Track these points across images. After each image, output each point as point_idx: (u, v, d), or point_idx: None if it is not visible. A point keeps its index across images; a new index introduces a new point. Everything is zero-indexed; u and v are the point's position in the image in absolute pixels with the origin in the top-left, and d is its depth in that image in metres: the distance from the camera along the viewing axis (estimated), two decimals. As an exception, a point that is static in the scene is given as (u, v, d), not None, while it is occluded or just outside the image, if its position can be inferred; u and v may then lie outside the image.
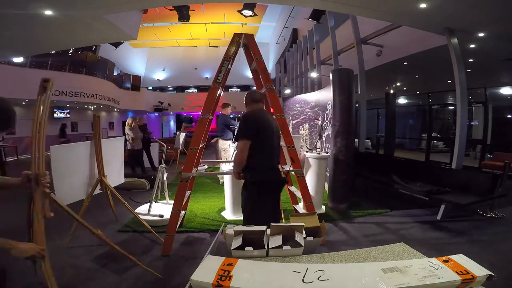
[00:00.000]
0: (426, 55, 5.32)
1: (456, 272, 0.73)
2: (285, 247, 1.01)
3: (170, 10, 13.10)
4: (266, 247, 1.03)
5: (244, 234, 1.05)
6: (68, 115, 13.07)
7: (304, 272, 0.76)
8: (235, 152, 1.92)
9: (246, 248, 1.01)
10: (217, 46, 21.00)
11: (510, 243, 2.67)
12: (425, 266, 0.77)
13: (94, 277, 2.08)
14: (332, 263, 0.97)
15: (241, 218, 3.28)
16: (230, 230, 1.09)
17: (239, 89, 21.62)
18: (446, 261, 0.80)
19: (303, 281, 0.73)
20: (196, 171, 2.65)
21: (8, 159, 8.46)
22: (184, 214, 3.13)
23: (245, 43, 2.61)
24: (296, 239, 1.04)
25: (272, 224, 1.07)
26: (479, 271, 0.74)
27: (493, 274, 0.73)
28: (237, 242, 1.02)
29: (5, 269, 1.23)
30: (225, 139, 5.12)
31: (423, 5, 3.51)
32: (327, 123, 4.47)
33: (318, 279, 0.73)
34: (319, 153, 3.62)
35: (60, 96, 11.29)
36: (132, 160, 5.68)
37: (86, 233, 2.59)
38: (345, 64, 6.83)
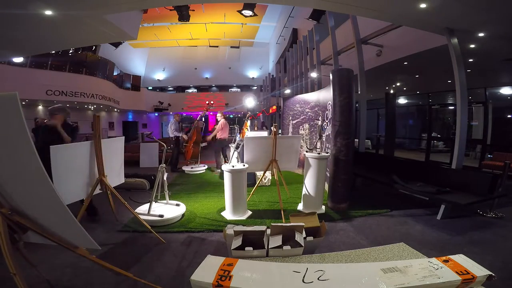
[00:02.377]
0: (426, 55, 5.32)
1: (456, 272, 0.73)
2: (285, 247, 1.01)
3: (170, 10, 13.08)
4: (266, 247, 1.03)
5: (244, 234, 1.05)
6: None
7: (304, 272, 0.76)
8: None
9: (246, 248, 1.01)
10: (217, 46, 20.97)
11: (510, 243, 2.67)
12: (425, 266, 0.77)
13: (94, 277, 2.08)
14: (332, 263, 0.97)
15: (241, 218, 3.31)
16: (230, 230, 1.09)
17: (239, 89, 21.65)
18: (446, 261, 0.80)
19: (303, 281, 0.73)
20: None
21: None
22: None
23: None
24: (296, 239, 1.04)
25: (272, 224, 1.07)
26: (479, 271, 0.74)
27: (493, 274, 0.73)
28: (237, 242, 1.02)
29: None
30: None
31: (423, 5, 3.51)
32: (327, 123, 4.47)
33: (318, 279, 0.73)
34: (319, 153, 3.61)
35: (60, 96, 11.30)
36: None
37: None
38: (345, 64, 6.84)
